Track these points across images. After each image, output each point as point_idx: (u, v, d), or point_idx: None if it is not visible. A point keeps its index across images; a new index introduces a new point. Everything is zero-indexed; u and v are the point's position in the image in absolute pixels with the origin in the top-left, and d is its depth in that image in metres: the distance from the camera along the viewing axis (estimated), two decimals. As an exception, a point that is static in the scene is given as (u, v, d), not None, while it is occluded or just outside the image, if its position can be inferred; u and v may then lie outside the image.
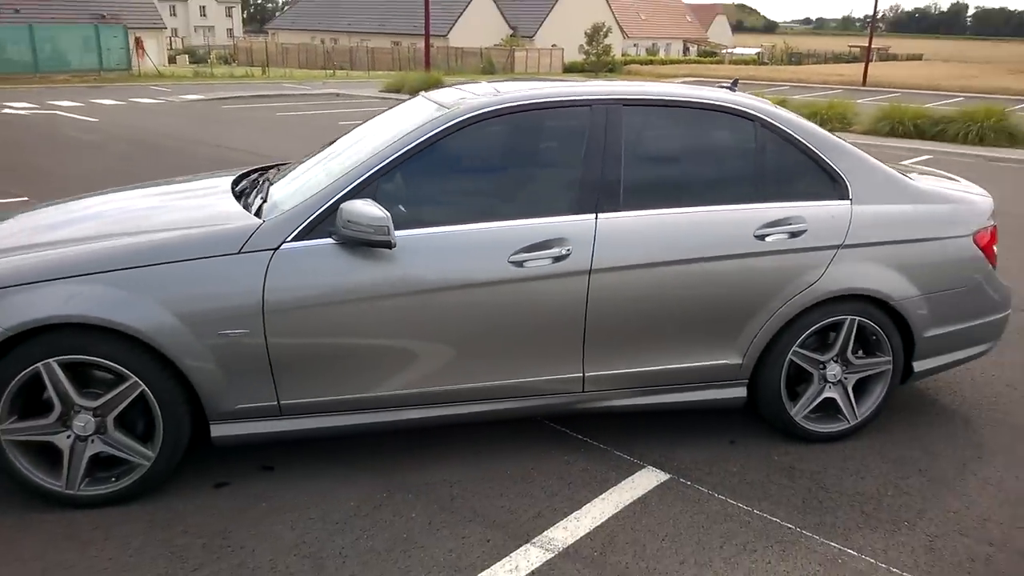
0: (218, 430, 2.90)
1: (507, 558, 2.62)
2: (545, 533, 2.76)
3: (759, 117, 3.29)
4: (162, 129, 14.45)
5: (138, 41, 32.72)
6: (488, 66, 44.22)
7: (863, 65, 36.13)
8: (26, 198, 8.06)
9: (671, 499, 2.99)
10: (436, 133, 2.98)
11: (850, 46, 73.26)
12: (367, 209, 2.72)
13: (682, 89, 3.38)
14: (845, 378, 3.39)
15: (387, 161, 2.94)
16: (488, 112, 3.05)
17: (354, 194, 2.87)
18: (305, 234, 2.85)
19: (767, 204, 3.22)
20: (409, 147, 2.96)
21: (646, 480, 3.11)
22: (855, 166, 3.36)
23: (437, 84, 25.65)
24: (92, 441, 2.81)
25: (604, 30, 44.38)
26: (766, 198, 3.23)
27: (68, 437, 2.79)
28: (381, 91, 26.46)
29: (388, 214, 2.70)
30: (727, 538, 2.76)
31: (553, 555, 2.65)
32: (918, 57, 66.91)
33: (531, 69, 46.98)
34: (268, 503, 2.91)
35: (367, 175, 2.91)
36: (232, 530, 2.75)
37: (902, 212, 3.36)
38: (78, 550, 2.63)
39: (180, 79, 30.44)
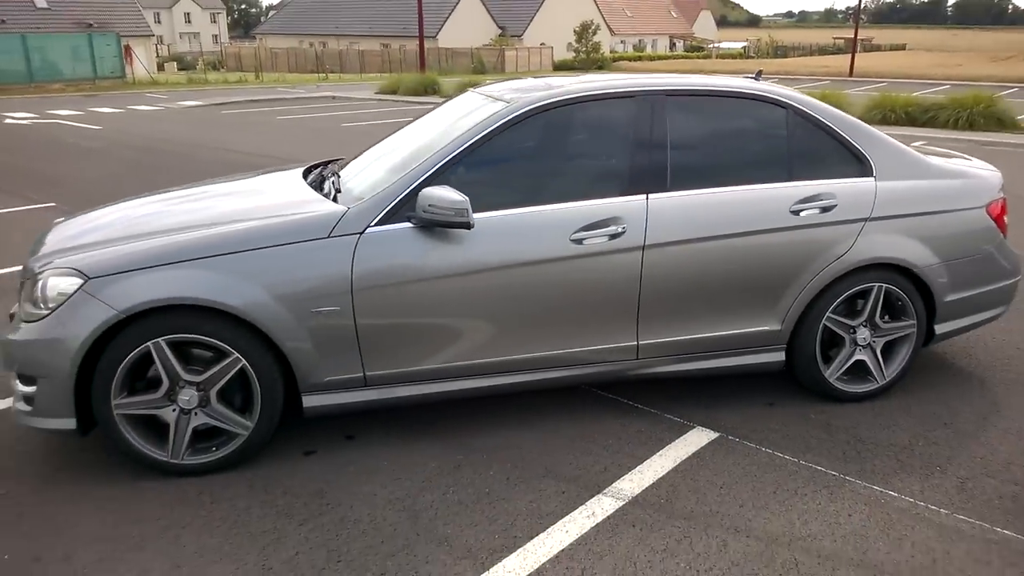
0: (309, 401, 3.17)
1: (583, 506, 2.90)
2: (614, 485, 3.03)
3: (791, 104, 3.58)
4: (165, 135, 14.66)
5: (127, 49, 32.81)
6: (479, 66, 44.47)
7: (849, 56, 36.58)
8: (52, 204, 8.28)
9: (723, 454, 3.27)
10: (501, 124, 3.26)
11: (834, 38, 73.94)
12: (447, 194, 2.98)
13: (718, 80, 3.67)
14: (873, 341, 3.68)
15: (458, 151, 3.21)
16: (547, 104, 3.33)
17: (429, 182, 3.13)
18: (387, 219, 3.11)
19: (800, 182, 3.50)
20: (477, 138, 3.23)
21: (697, 438, 3.39)
22: (877, 146, 3.65)
23: (433, 85, 25.95)
24: (195, 414, 3.06)
25: (593, 28, 44.76)
26: (799, 177, 3.52)
27: (174, 411, 3.04)
28: (377, 93, 26.67)
29: (467, 198, 2.97)
30: (779, 485, 3.04)
31: (624, 503, 2.92)
32: (902, 47, 67.63)
33: (522, 68, 47.28)
34: (355, 467, 3.18)
35: (440, 164, 3.18)
36: (327, 491, 3.01)
37: (921, 187, 3.65)
38: (191, 511, 2.88)
39: (174, 86, 30.59)
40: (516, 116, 3.28)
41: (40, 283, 3.00)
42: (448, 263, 3.12)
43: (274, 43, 55.98)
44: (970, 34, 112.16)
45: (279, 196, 3.58)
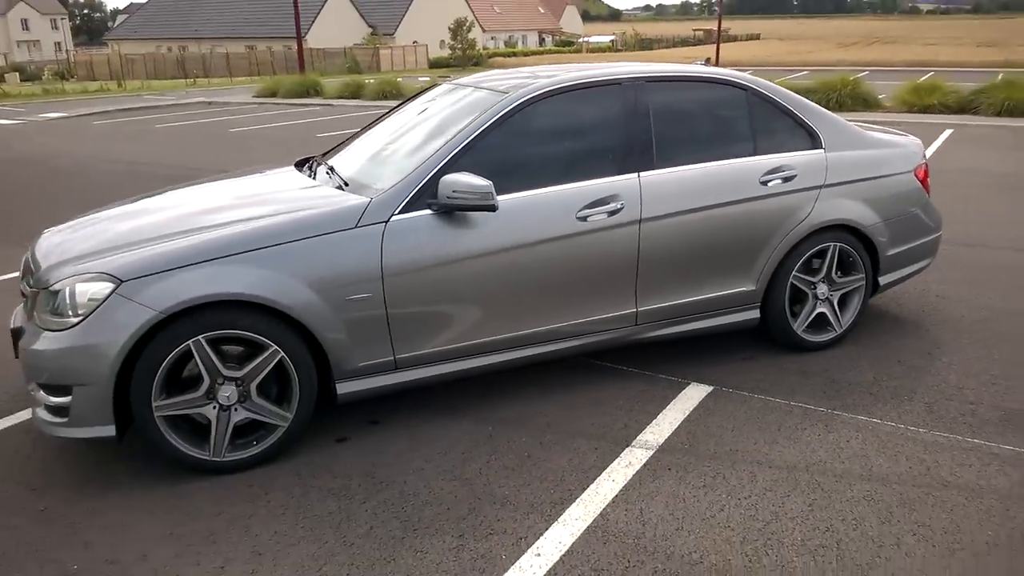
0: (343, 388, 3.28)
1: (618, 458, 3.17)
2: (638, 438, 3.33)
3: (749, 87, 3.98)
4: (46, 150, 13.82)
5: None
6: (353, 65, 43.89)
7: (710, 47, 38.61)
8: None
9: (723, 402, 3.63)
10: (505, 113, 3.47)
11: (694, 30, 77.56)
12: (471, 179, 3.17)
13: (686, 67, 4.03)
14: (831, 295, 4.15)
15: (468, 139, 3.40)
16: (545, 92, 3.58)
17: (446, 170, 3.31)
18: (409, 207, 3.27)
19: (764, 156, 3.91)
20: (485, 126, 3.43)
21: (696, 392, 3.73)
22: (823, 121, 4.12)
23: (315, 86, 25.49)
24: (235, 409, 3.12)
25: (467, 25, 45.04)
26: (762, 151, 3.92)
27: (214, 408, 3.09)
28: (255, 97, 25.92)
29: (490, 182, 3.17)
30: (780, 423, 3.42)
31: (653, 451, 3.22)
32: (756, 37, 71.91)
33: (397, 66, 47.03)
34: (392, 448, 3.32)
35: (453, 153, 3.36)
36: (376, 471, 3.15)
37: (862, 156, 4.15)
38: (249, 504, 2.95)
39: (29, 97, 28.55)
40: (518, 104, 3.51)
41: (65, 291, 2.98)
42: (468, 246, 3.32)
43: (129, 49, 52.97)
44: (815, 22, 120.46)
45: (290, 191, 3.66)
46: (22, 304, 3.57)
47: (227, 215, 3.32)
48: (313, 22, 51.64)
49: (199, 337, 2.98)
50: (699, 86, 3.94)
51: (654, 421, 3.47)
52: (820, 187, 3.96)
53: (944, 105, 14.61)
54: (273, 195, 3.68)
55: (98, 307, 2.92)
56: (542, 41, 75.21)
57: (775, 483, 2.97)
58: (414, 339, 3.33)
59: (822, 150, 4.04)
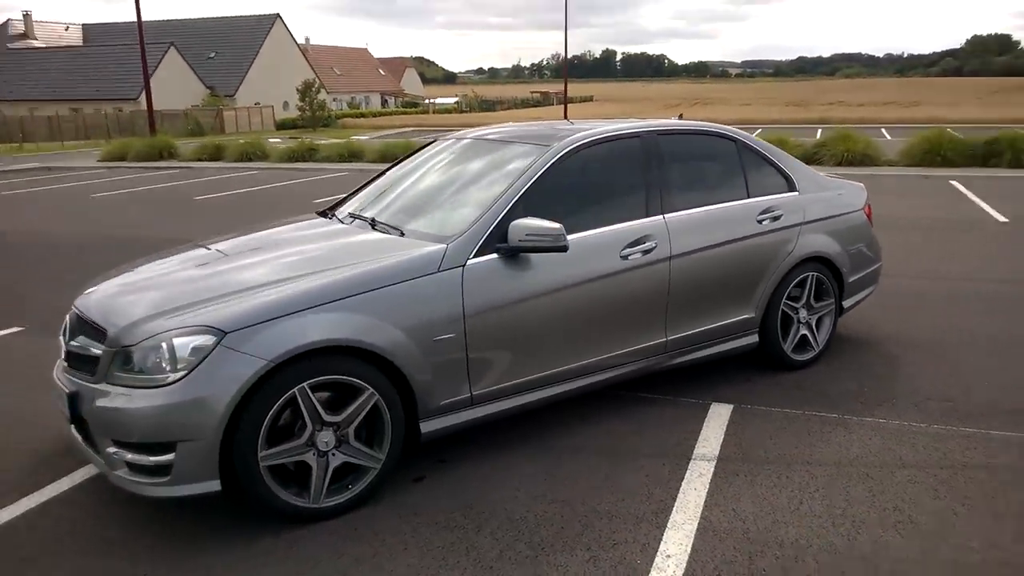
0: (426, 427, 3.40)
1: (688, 470, 3.49)
2: (696, 452, 3.67)
3: (737, 139, 4.54)
4: None
5: None
6: (196, 127, 42.48)
7: (554, 107, 40.70)
8: None
9: (749, 417, 4.05)
10: (553, 163, 3.80)
11: (531, 92, 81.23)
12: (541, 223, 3.45)
13: (684, 122, 4.55)
14: (809, 319, 4.72)
15: (526, 188, 3.68)
16: (582, 144, 3.95)
17: (510, 217, 3.56)
18: (480, 252, 3.48)
19: (756, 199, 4.46)
20: (537, 175, 3.73)
21: (722, 410, 4.14)
22: (795, 168, 4.75)
23: (169, 148, 24.47)
24: (333, 454, 3.17)
25: (316, 86, 44.90)
26: (754, 194, 4.47)
27: (313, 454, 3.12)
28: (101, 160, 24.47)
29: (561, 225, 3.45)
30: (807, 430, 3.88)
31: (715, 462, 3.56)
32: (590, 98, 76.45)
33: (242, 128, 45.90)
34: (472, 481, 3.46)
35: (514, 201, 3.62)
36: (472, 503, 3.28)
37: (827, 196, 4.81)
38: (365, 545, 3.00)
39: None
40: (563, 155, 3.85)
41: (161, 347, 2.94)
42: (533, 285, 3.57)
43: (-71, 112, 48.30)
44: (638, 86, 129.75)
45: (347, 240, 3.80)
46: (60, 367, 3.43)
47: (300, 266, 3.41)
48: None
49: (304, 384, 3.03)
50: (699, 138, 4.45)
51: (701, 437, 3.82)
52: (801, 224, 4.55)
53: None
54: (333, 245, 3.77)
55: (203, 360, 2.91)
56: (384, 103, 75.97)
57: (832, 478, 3.40)
58: (488, 375, 3.51)
59: (797, 192, 4.65)
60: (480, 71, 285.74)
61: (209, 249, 3.93)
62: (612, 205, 4.00)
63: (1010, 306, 6.00)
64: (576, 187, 3.94)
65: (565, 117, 38.35)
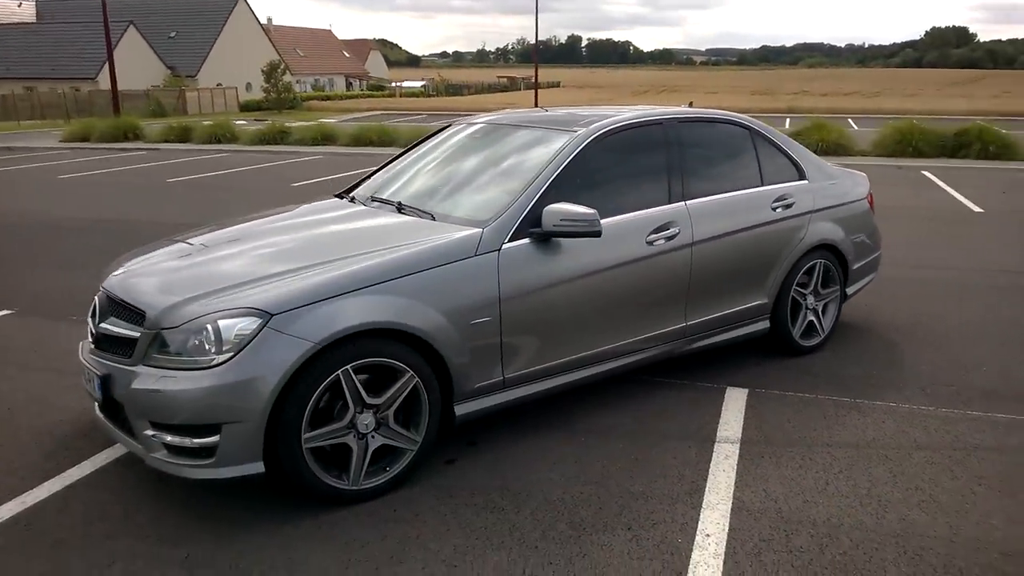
0: (461, 409, 3.43)
1: (714, 452, 3.58)
2: (720, 435, 3.76)
3: (750, 127, 4.62)
4: None
5: None
6: (158, 108, 41.51)
7: (523, 92, 40.58)
8: None
9: (766, 400, 4.15)
10: (581, 148, 3.83)
11: (498, 76, 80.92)
12: (575, 208, 3.48)
13: (700, 110, 4.61)
14: (816, 305, 4.84)
15: (556, 173, 3.71)
16: (609, 130, 3.99)
17: (543, 202, 3.59)
18: (514, 236, 3.51)
19: (769, 187, 4.55)
20: (567, 161, 3.76)
21: (738, 395, 4.23)
22: (804, 156, 4.85)
23: (135, 129, 23.91)
24: (372, 437, 3.18)
25: (281, 68, 44.17)
26: (768, 182, 4.56)
27: (354, 436, 3.14)
28: (62, 141, 23.85)
29: (595, 210, 3.49)
30: (822, 413, 3.99)
31: (739, 444, 3.66)
32: (557, 84, 76.31)
33: (206, 110, 45.03)
34: (505, 463, 3.50)
35: (545, 186, 3.65)
36: (508, 485, 3.32)
37: (834, 185, 4.92)
38: (408, 526, 3.03)
39: None
40: (591, 140, 3.88)
41: (207, 328, 2.93)
42: (564, 270, 3.61)
43: None
44: (604, 72, 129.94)
45: (378, 222, 3.81)
46: (87, 349, 3.39)
47: (336, 248, 3.41)
48: (104, 63, 48.20)
49: (347, 367, 3.04)
50: (715, 125, 4.52)
51: (721, 420, 3.91)
52: (811, 212, 4.66)
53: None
54: (365, 228, 3.77)
55: (249, 342, 2.90)
56: (349, 85, 75.05)
57: (853, 460, 3.51)
58: (519, 359, 3.55)
59: (807, 181, 4.75)
60: (444, 55, 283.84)
61: (232, 230, 3.90)
62: (637, 191, 4.05)
63: (995, 294, 6.21)
64: (603, 173, 3.98)
65: (536, 103, 38.36)
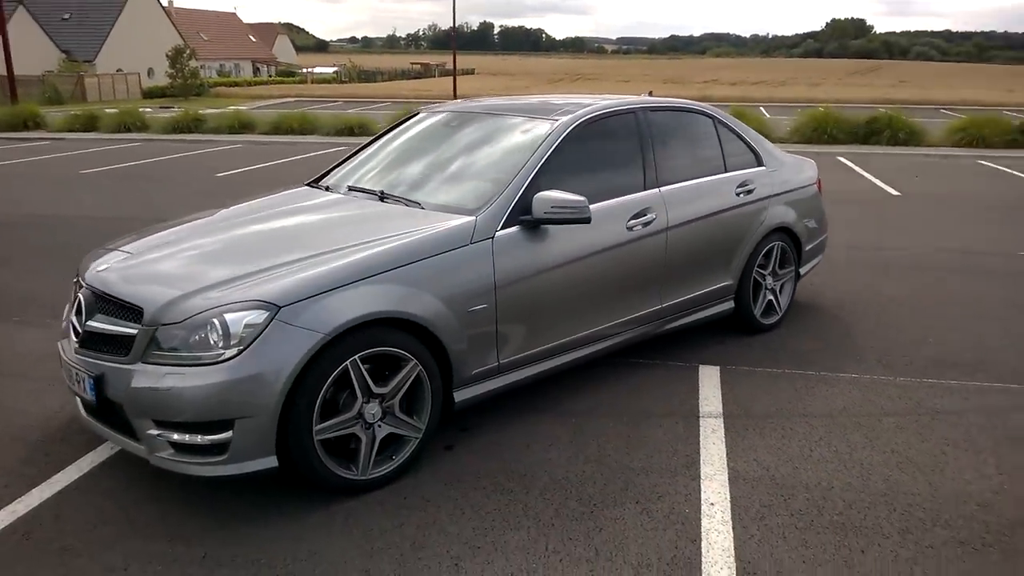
0: (460, 395, 3.48)
1: (701, 428, 3.74)
2: (702, 410, 3.93)
3: (713, 115, 4.81)
4: None
5: None
6: (54, 95, 39.29)
7: (438, 79, 40.32)
8: None
9: (739, 376, 4.35)
10: (564, 137, 3.91)
11: (412, 63, 79.99)
12: (566, 196, 3.56)
13: (667, 99, 4.76)
14: (775, 285, 5.09)
15: (542, 162, 3.78)
16: (588, 119, 4.08)
17: (532, 189, 3.66)
18: (506, 224, 3.57)
19: (733, 173, 4.75)
20: (552, 148, 3.84)
21: (710, 371, 4.42)
22: (760, 144, 5.07)
23: (35, 118, 22.61)
24: (379, 426, 3.20)
25: (187, 53, 42.49)
26: (731, 168, 4.75)
27: (361, 426, 3.15)
28: (-47, 129, 22.32)
29: (584, 198, 3.58)
30: (795, 386, 4.22)
31: (722, 418, 3.84)
32: (471, 71, 75.98)
33: (106, 97, 42.90)
34: (503, 447, 3.57)
35: (534, 174, 3.72)
36: (510, 467, 3.39)
37: (787, 171, 5.17)
38: (421, 513, 3.06)
39: None
40: (573, 128, 3.97)
41: (213, 323, 2.88)
42: (553, 256, 3.70)
43: None
44: (516, 59, 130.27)
45: (365, 211, 3.79)
46: (70, 349, 3.27)
47: (330, 238, 3.40)
48: (-5, 45, 45.26)
49: (355, 357, 3.04)
50: (682, 114, 4.68)
51: (700, 396, 4.09)
52: (769, 197, 4.88)
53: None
54: (354, 217, 3.75)
55: (259, 335, 2.87)
56: (257, 71, 72.79)
57: (829, 428, 3.74)
58: (511, 344, 3.62)
59: (764, 167, 4.98)
60: (354, 40, 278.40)
61: (209, 221, 3.81)
62: (616, 178, 4.17)
63: (929, 271, 6.64)
64: (584, 160, 4.07)
65: (455, 91, 38.15)
